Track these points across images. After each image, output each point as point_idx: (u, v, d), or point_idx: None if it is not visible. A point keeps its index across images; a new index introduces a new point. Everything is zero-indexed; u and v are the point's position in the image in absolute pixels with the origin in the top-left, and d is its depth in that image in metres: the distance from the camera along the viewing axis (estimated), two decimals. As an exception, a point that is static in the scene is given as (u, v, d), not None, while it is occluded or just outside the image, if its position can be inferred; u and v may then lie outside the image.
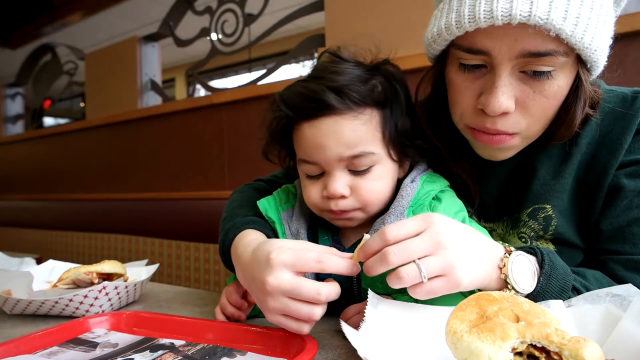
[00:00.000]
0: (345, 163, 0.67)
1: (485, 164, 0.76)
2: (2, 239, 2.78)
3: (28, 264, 1.08)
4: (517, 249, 0.61)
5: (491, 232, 0.79)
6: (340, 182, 0.67)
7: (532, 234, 0.74)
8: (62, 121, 6.59)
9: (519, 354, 0.41)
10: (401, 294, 0.67)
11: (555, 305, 0.54)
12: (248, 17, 2.15)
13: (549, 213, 0.73)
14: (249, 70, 6.13)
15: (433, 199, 0.71)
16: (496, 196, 0.79)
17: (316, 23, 2.00)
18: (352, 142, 0.66)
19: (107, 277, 0.90)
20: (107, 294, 0.82)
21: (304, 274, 0.58)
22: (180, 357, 0.59)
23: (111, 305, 0.84)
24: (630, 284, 0.55)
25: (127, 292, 0.87)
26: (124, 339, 0.67)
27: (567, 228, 0.73)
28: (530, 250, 0.62)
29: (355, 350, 0.48)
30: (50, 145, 3.09)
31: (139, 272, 1.00)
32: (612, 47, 0.64)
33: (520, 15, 0.56)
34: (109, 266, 0.91)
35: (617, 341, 0.47)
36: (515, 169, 0.77)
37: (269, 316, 0.59)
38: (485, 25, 0.59)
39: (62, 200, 2.71)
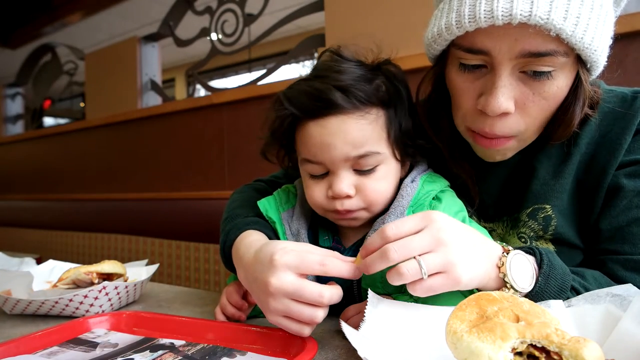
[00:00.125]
0: (351, 163, 0.67)
1: (485, 164, 0.76)
2: (2, 239, 2.78)
3: (28, 264, 1.08)
4: (516, 248, 0.61)
5: (491, 232, 0.79)
6: (346, 182, 0.67)
7: (531, 234, 0.75)
8: (62, 121, 6.59)
9: (519, 354, 0.41)
10: (401, 294, 0.67)
11: (555, 305, 0.54)
12: (248, 17, 2.15)
13: (549, 213, 0.73)
14: (249, 70, 6.13)
15: (433, 199, 0.71)
16: (496, 196, 0.79)
17: (316, 23, 2.00)
18: (359, 141, 0.66)
19: (107, 277, 0.90)
20: (107, 294, 0.82)
21: (306, 276, 0.58)
22: (180, 357, 0.59)
23: (111, 305, 0.84)
24: (630, 284, 0.55)
25: (127, 292, 0.87)
26: (124, 339, 0.67)
27: (567, 228, 0.73)
28: (529, 250, 0.63)
29: (355, 350, 0.48)
30: (50, 145, 3.09)
31: (139, 272, 1.00)
32: (612, 47, 0.64)
33: (520, 15, 0.56)
34: (109, 266, 0.91)
35: (617, 341, 0.47)
36: (515, 169, 0.77)
37: (270, 317, 0.59)
38: (486, 25, 0.59)
39: (62, 200, 2.71)
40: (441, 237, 0.54)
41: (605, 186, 0.70)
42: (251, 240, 0.69)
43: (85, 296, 0.80)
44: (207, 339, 0.65)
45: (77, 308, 0.80)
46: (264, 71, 2.09)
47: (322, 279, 0.59)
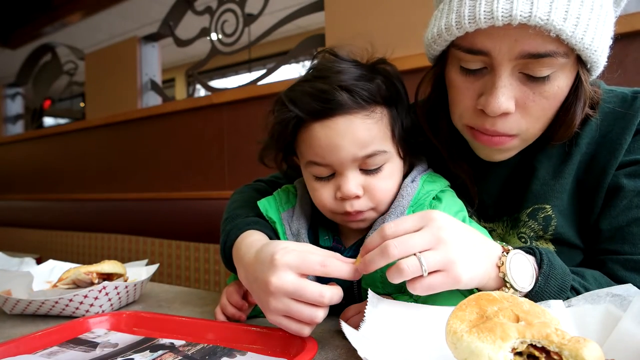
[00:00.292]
0: (359, 163, 0.67)
1: (485, 164, 0.76)
2: (2, 239, 2.79)
3: (28, 264, 1.08)
4: (516, 248, 0.61)
5: (491, 232, 0.79)
6: (354, 182, 0.67)
7: (531, 234, 0.74)
8: (62, 121, 6.59)
9: (519, 354, 0.41)
10: (401, 294, 0.67)
11: (555, 305, 0.54)
12: (248, 17, 2.15)
13: (549, 213, 0.73)
14: (249, 70, 6.12)
15: (433, 198, 0.71)
16: (496, 196, 0.79)
17: (316, 23, 2.00)
18: (366, 141, 0.66)
19: (107, 277, 0.90)
20: (107, 294, 0.82)
21: (307, 277, 0.58)
22: (180, 357, 0.59)
23: (111, 305, 0.84)
24: (630, 284, 0.55)
25: (127, 292, 0.87)
26: (124, 339, 0.67)
27: (567, 228, 0.73)
28: (529, 250, 0.62)
29: (355, 350, 0.48)
30: (50, 145, 3.10)
31: (139, 272, 1.00)
32: (612, 47, 0.64)
33: (520, 15, 0.56)
34: (109, 266, 0.91)
35: (617, 341, 0.47)
36: (515, 169, 0.77)
37: (270, 317, 0.59)
38: (486, 26, 0.59)
39: (62, 200, 2.71)
40: (441, 236, 0.54)
41: (606, 186, 0.70)
42: (252, 240, 0.69)
43: (85, 296, 0.80)
44: (207, 339, 0.65)
45: (77, 308, 0.80)
46: (264, 71, 2.09)
47: (322, 280, 0.59)
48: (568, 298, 0.58)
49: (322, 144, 0.66)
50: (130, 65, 2.57)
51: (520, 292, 0.58)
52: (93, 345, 0.64)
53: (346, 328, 0.52)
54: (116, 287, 0.83)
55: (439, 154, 0.78)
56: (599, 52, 0.61)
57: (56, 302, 0.79)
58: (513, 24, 0.57)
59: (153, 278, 1.02)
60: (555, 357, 0.39)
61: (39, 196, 3.01)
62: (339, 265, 0.57)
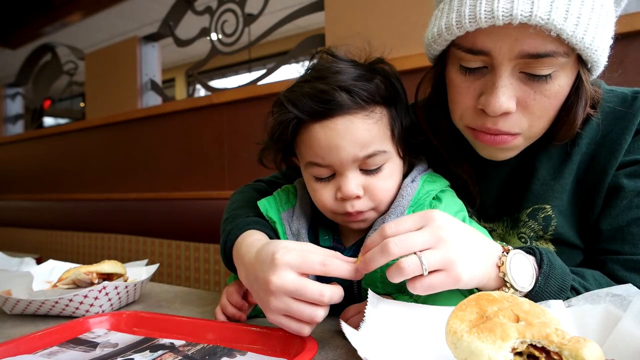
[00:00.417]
0: (359, 163, 0.67)
1: (486, 163, 0.76)
2: (2, 239, 2.79)
3: (28, 264, 1.08)
4: (516, 248, 0.61)
5: (491, 232, 0.79)
6: (354, 182, 0.67)
7: (531, 234, 0.74)
8: (62, 121, 6.59)
9: (519, 354, 0.41)
10: (401, 294, 0.67)
11: (555, 305, 0.54)
12: (248, 17, 2.15)
13: (549, 213, 0.73)
14: (249, 70, 6.12)
15: (433, 198, 0.71)
16: (496, 196, 0.79)
17: (316, 23, 2.00)
18: (367, 141, 0.66)
19: (107, 277, 0.90)
20: (107, 294, 0.82)
21: (307, 276, 0.58)
22: (180, 357, 0.59)
23: (111, 305, 0.84)
24: (630, 284, 0.55)
25: (127, 292, 0.87)
26: (124, 339, 0.67)
27: (567, 228, 0.73)
28: (529, 250, 0.62)
29: (355, 350, 0.48)
30: (50, 145, 3.10)
31: (139, 272, 1.00)
32: (612, 47, 0.64)
33: (521, 15, 0.56)
34: (109, 266, 0.91)
35: (617, 341, 0.47)
36: (515, 169, 0.77)
37: (270, 316, 0.59)
38: (486, 25, 0.59)
39: (62, 200, 2.71)
40: (441, 235, 0.54)
41: (606, 186, 0.70)
42: (252, 239, 0.69)
43: (85, 296, 0.80)
44: (207, 339, 0.65)
45: (77, 308, 0.80)
46: (264, 71, 2.09)
47: (323, 279, 0.59)
48: (568, 298, 0.58)
49: (322, 145, 0.66)
50: (130, 65, 2.57)
51: (520, 292, 0.58)
52: (93, 345, 0.64)
53: (346, 328, 0.52)
54: (116, 287, 0.83)
55: (439, 154, 0.78)
56: (599, 52, 0.61)
57: (56, 302, 0.79)
58: (514, 24, 0.57)
59: (153, 278, 1.02)
60: (555, 357, 0.39)
61: (39, 196, 3.01)
62: (340, 264, 0.57)
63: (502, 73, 0.62)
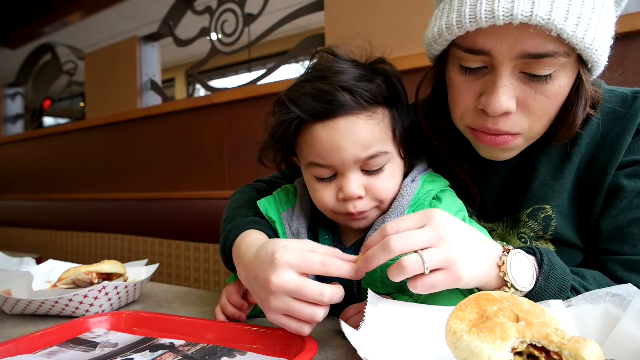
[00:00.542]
0: (361, 164, 0.67)
1: (486, 164, 0.76)
2: (2, 239, 2.79)
3: (28, 264, 1.08)
4: (516, 248, 0.61)
5: (491, 233, 0.79)
6: (356, 183, 0.67)
7: (532, 234, 0.74)
8: (62, 121, 6.59)
9: (519, 354, 0.41)
10: (401, 294, 0.67)
11: (555, 305, 0.54)
12: (248, 17, 2.15)
13: (549, 213, 0.73)
14: (249, 70, 6.12)
15: (433, 198, 0.71)
16: (496, 196, 0.79)
17: (316, 23, 2.00)
18: (369, 142, 0.66)
19: (107, 277, 0.90)
20: (107, 294, 0.82)
21: (307, 275, 0.58)
22: (180, 357, 0.59)
23: (111, 305, 0.84)
24: (630, 284, 0.55)
25: (127, 292, 0.87)
26: (124, 339, 0.67)
27: (567, 228, 0.73)
28: (530, 251, 0.62)
29: (355, 350, 0.48)
30: (50, 145, 3.10)
31: (139, 272, 1.00)
32: (612, 47, 0.64)
33: (522, 15, 0.56)
34: (109, 266, 0.91)
35: (617, 341, 0.47)
36: (515, 169, 0.77)
37: (270, 316, 0.59)
38: (487, 25, 0.58)
39: (62, 200, 2.71)
40: (442, 234, 0.54)
41: (606, 186, 0.70)
42: (252, 239, 0.69)
43: (85, 296, 0.80)
44: (207, 339, 0.65)
45: (77, 308, 0.80)
46: (264, 71, 2.09)
47: (324, 279, 0.59)
48: (568, 298, 0.58)
49: (324, 146, 0.66)
50: (130, 65, 2.57)
51: (520, 292, 0.58)
52: (93, 345, 0.64)
53: (346, 328, 0.52)
54: (116, 287, 0.83)
55: (440, 154, 0.78)
56: (599, 52, 0.61)
57: (56, 302, 0.79)
58: (514, 24, 0.57)
59: (153, 278, 1.02)
60: (555, 357, 0.39)
61: (39, 196, 3.01)
62: (340, 264, 0.57)
63: (503, 73, 0.62)
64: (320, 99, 0.65)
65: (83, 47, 3.23)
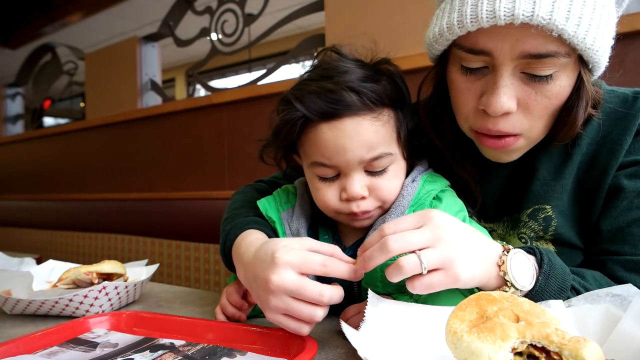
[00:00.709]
0: (365, 165, 0.67)
1: (487, 164, 0.76)
2: (2, 239, 2.79)
3: (28, 264, 1.08)
4: (516, 248, 0.61)
5: (491, 233, 0.79)
6: (359, 183, 0.67)
7: (532, 234, 0.74)
8: (62, 121, 6.59)
9: (519, 354, 0.41)
10: (401, 294, 0.67)
11: (555, 305, 0.54)
12: (248, 17, 2.15)
13: (549, 214, 0.73)
14: (249, 70, 6.12)
15: (434, 198, 0.71)
16: (497, 196, 0.79)
17: (316, 23, 2.00)
18: (374, 143, 0.66)
19: (107, 277, 0.90)
20: (107, 294, 0.82)
21: (307, 275, 0.58)
22: (180, 357, 0.59)
23: (111, 305, 0.84)
24: (630, 284, 0.55)
25: (127, 292, 0.87)
26: (124, 339, 0.67)
27: (567, 229, 0.73)
28: (530, 250, 0.62)
29: (355, 350, 0.48)
30: (50, 145, 3.10)
31: (139, 272, 1.00)
32: (613, 47, 0.64)
33: (523, 15, 0.56)
34: (109, 266, 0.91)
35: (617, 341, 0.47)
36: (516, 169, 0.77)
37: (269, 315, 0.58)
38: (488, 25, 0.58)
39: (62, 200, 2.71)
40: (440, 234, 0.54)
41: (606, 187, 0.70)
42: (252, 239, 0.69)
43: (85, 296, 0.80)
44: (207, 339, 0.65)
45: (77, 308, 0.80)
46: (264, 71, 2.09)
47: (325, 279, 0.59)
48: (568, 298, 0.58)
49: (329, 145, 0.66)
50: (130, 65, 2.57)
51: (520, 291, 0.58)
52: (93, 345, 0.64)
53: (346, 328, 0.52)
54: (116, 287, 0.83)
55: (441, 154, 0.78)
56: (600, 52, 0.61)
57: (56, 302, 0.79)
58: (515, 24, 0.57)
59: (153, 278, 1.02)
60: (555, 357, 0.39)
61: (39, 196, 3.01)
62: (340, 265, 0.57)
63: (504, 73, 0.62)
64: (326, 98, 0.65)
65: (83, 47, 3.23)
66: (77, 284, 0.88)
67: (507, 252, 0.58)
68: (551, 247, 0.74)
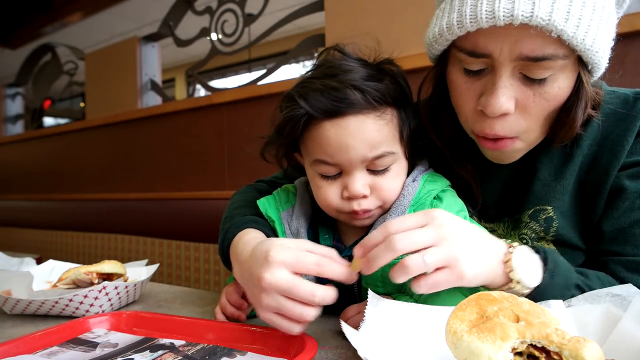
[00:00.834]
0: (367, 163, 0.67)
1: (488, 164, 0.76)
2: (2, 239, 2.78)
3: (28, 264, 1.08)
4: (521, 245, 0.61)
5: (492, 233, 0.78)
6: (361, 182, 0.67)
7: (533, 235, 0.74)
8: (62, 121, 6.59)
9: (519, 354, 0.41)
10: (401, 294, 0.67)
11: (555, 305, 0.54)
12: (248, 17, 2.15)
13: (550, 214, 0.73)
14: (249, 70, 6.12)
15: (434, 198, 0.71)
16: (497, 196, 0.79)
17: (316, 23, 2.00)
18: (377, 142, 0.66)
19: (107, 277, 0.90)
20: (107, 294, 0.82)
21: (304, 276, 0.58)
22: (180, 357, 0.59)
23: (111, 305, 0.84)
24: (630, 284, 0.55)
25: (127, 292, 0.87)
26: (124, 339, 0.67)
27: (568, 229, 0.73)
28: (533, 249, 0.62)
29: (355, 350, 0.48)
30: (50, 145, 3.09)
31: (139, 272, 1.00)
32: (613, 48, 0.64)
33: (522, 15, 0.56)
34: (109, 266, 0.91)
35: (617, 341, 0.47)
36: (517, 169, 0.77)
37: (261, 313, 0.58)
38: (487, 26, 0.58)
39: (62, 200, 2.71)
40: (444, 233, 0.54)
41: (607, 187, 0.70)
42: (249, 238, 0.69)
43: (85, 296, 0.80)
44: (207, 339, 0.65)
45: (77, 308, 0.80)
46: (264, 71, 2.09)
47: (323, 281, 0.59)
48: (573, 296, 0.58)
49: (332, 143, 0.66)
50: (130, 65, 2.57)
51: (528, 287, 0.58)
52: (93, 345, 0.64)
53: (346, 328, 0.52)
54: (116, 287, 0.83)
55: (442, 154, 0.78)
56: (600, 54, 0.61)
57: (56, 302, 0.79)
58: (514, 24, 0.57)
59: (153, 278, 1.02)
60: (555, 357, 0.39)
61: (39, 196, 3.01)
62: (334, 266, 0.57)
63: (503, 74, 0.62)
64: (330, 96, 0.65)
65: (83, 47, 3.23)
66: (77, 284, 0.88)
67: (512, 249, 0.58)
68: (552, 248, 0.74)
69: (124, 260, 1.31)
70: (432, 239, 0.54)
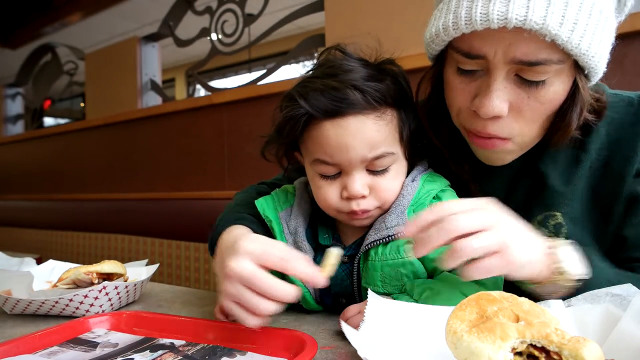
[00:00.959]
0: (366, 163, 0.67)
1: (488, 164, 0.76)
2: (2, 239, 2.79)
3: (28, 264, 1.08)
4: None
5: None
6: (360, 182, 0.67)
7: None
8: (62, 121, 6.58)
9: (519, 354, 0.41)
10: (401, 294, 0.67)
11: (555, 305, 0.54)
12: (248, 17, 2.16)
13: (559, 221, 0.71)
14: (249, 70, 6.11)
15: (434, 198, 0.71)
16: (502, 198, 0.78)
17: (316, 23, 2.00)
18: (377, 142, 0.66)
19: (107, 277, 0.90)
20: (107, 294, 0.82)
21: (281, 273, 0.58)
22: (180, 357, 0.59)
23: (111, 305, 0.84)
24: (630, 284, 0.55)
25: (127, 292, 0.87)
26: (124, 339, 0.67)
27: (579, 236, 0.71)
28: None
29: (355, 350, 0.48)
30: (50, 145, 3.10)
31: (139, 272, 1.00)
32: (611, 53, 0.64)
33: (516, 19, 0.56)
34: (109, 266, 0.91)
35: (617, 341, 0.47)
36: (519, 169, 0.76)
37: (222, 300, 0.59)
38: (481, 28, 0.58)
39: (62, 200, 2.71)
40: (494, 218, 0.54)
41: (624, 193, 0.69)
42: (235, 234, 0.69)
43: (85, 296, 0.80)
44: (207, 339, 0.65)
45: (77, 308, 0.80)
46: (264, 71, 2.10)
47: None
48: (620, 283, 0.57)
49: (331, 143, 0.66)
50: (130, 65, 2.57)
51: (576, 279, 0.58)
52: (93, 345, 0.64)
53: (346, 328, 0.52)
54: (116, 287, 0.83)
55: (441, 154, 0.78)
56: (596, 58, 0.60)
57: (56, 302, 0.79)
58: (508, 27, 0.57)
59: (153, 278, 1.02)
60: (555, 357, 0.40)
61: (39, 196, 3.01)
62: (299, 264, 0.57)
63: (497, 77, 0.62)
64: (330, 96, 0.65)
65: (83, 47, 3.23)
66: (77, 284, 0.88)
67: (554, 242, 0.59)
68: None
69: (124, 260, 1.31)
70: (482, 224, 0.53)
